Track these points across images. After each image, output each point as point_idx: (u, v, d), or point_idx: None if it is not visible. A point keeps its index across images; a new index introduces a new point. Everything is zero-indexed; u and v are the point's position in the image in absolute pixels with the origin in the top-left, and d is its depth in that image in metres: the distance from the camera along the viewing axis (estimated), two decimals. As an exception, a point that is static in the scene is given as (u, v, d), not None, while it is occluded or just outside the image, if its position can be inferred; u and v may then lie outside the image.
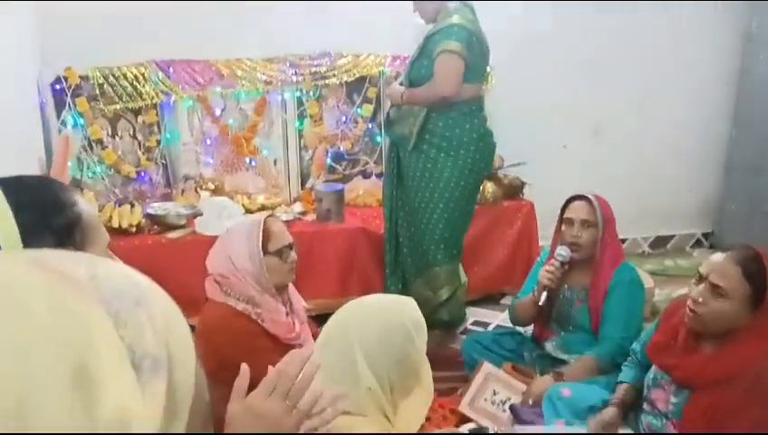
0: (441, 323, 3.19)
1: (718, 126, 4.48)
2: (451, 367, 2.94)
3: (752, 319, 1.75)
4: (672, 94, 4.37)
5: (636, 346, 2.13)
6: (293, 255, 2.13)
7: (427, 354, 3.08)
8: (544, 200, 3.59)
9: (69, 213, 0.93)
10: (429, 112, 2.95)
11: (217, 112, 3.65)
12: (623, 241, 4.60)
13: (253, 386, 1.18)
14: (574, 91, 4.20)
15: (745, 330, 1.76)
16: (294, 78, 3.67)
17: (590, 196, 2.50)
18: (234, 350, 1.97)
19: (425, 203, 3.03)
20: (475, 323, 3.49)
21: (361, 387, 1.32)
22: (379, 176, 3.84)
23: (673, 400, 1.86)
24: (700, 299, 1.80)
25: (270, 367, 1.13)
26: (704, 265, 1.84)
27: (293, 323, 2.08)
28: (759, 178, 4.10)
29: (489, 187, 3.72)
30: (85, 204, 0.98)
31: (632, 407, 2.04)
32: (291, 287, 2.22)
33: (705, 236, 4.71)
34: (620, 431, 2.01)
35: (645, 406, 1.97)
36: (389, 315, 1.42)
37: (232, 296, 2.04)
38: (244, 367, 1.15)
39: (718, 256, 1.82)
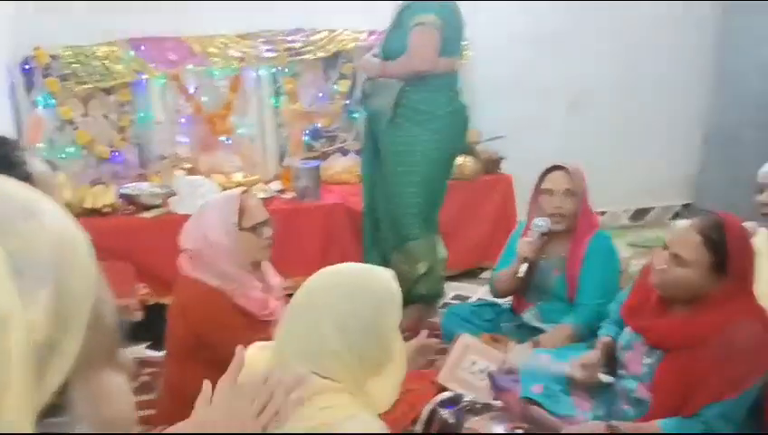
0: (420, 297, 3.19)
1: (696, 97, 4.48)
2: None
3: (719, 285, 1.76)
4: (650, 66, 4.37)
5: (613, 306, 2.14)
6: (269, 231, 2.10)
7: (407, 329, 3.12)
8: (523, 174, 3.58)
9: (19, 171, 0.92)
10: (404, 86, 2.92)
11: (191, 91, 3.60)
12: (603, 214, 4.65)
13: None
14: (552, 65, 4.20)
15: (715, 295, 1.77)
16: (269, 54, 3.62)
17: (567, 165, 2.50)
18: (207, 327, 1.96)
19: (400, 177, 3.01)
20: (456, 297, 3.50)
21: (327, 348, 1.30)
22: (357, 153, 3.81)
23: (645, 361, 1.87)
24: (662, 267, 1.81)
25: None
26: (668, 233, 1.85)
27: (269, 300, 2.06)
28: (737, 148, 4.11)
29: (467, 162, 3.71)
30: (39, 165, 0.97)
31: (613, 358, 2.05)
32: (266, 264, 2.20)
33: (686, 207, 4.74)
34: (601, 375, 2.02)
35: (619, 369, 1.98)
36: (360, 281, 1.40)
37: (206, 273, 2.02)
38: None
39: (681, 225, 1.83)
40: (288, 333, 1.36)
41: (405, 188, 3.01)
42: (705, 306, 1.78)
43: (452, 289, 3.56)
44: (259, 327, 1.93)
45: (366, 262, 3.33)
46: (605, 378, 2.03)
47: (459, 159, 3.62)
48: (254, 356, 1.37)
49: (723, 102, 4.31)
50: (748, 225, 2.28)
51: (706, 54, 4.40)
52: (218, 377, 1.13)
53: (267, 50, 3.62)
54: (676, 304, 1.85)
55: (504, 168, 3.90)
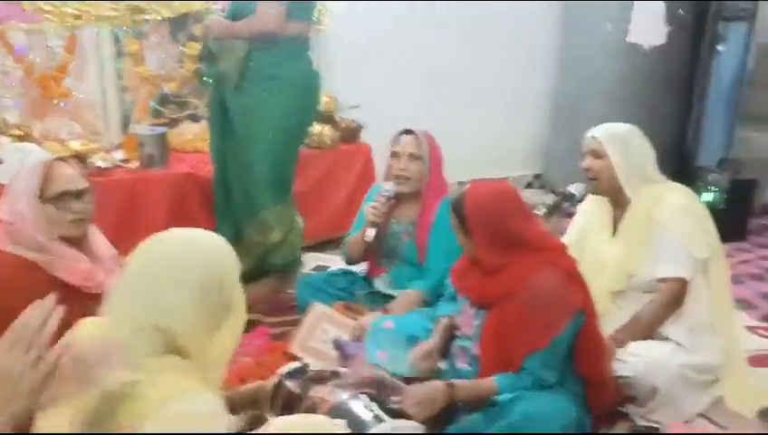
0: (275, 267, 3.12)
1: (543, 72, 4.71)
2: (286, 311, 2.91)
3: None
4: (501, 42, 4.53)
5: (449, 278, 2.18)
6: (80, 205, 1.88)
7: (264, 300, 3.04)
8: (382, 144, 3.59)
9: None
10: (251, 49, 2.80)
11: (22, 50, 3.26)
12: (461, 184, 4.77)
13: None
14: (410, 37, 4.22)
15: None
16: (109, 13, 3.35)
17: (416, 130, 2.51)
18: (21, 303, 1.77)
19: (249, 144, 2.90)
20: (317, 268, 3.45)
21: (166, 303, 1.22)
22: (208, 119, 3.64)
23: (475, 322, 1.93)
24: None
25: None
26: None
27: (95, 272, 1.90)
28: (579, 120, 4.34)
29: (326, 130, 3.66)
30: None
31: (454, 335, 2.09)
32: (96, 234, 2.03)
33: (537, 177, 4.98)
34: (439, 363, 2.06)
35: (458, 332, 2.02)
36: (190, 238, 1.33)
37: (20, 245, 1.83)
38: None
39: None
40: (124, 296, 1.27)
41: (254, 155, 2.90)
42: (513, 263, 1.85)
43: (313, 260, 3.52)
44: (86, 301, 1.78)
45: (218, 233, 3.20)
46: (443, 366, 2.06)
47: (317, 128, 3.57)
48: (87, 331, 1.29)
49: (566, 76, 4.55)
50: (577, 187, 2.42)
51: (552, 31, 4.62)
52: None
53: (108, 8, 3.35)
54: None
55: (364, 137, 3.89)
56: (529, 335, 1.78)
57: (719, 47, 4.23)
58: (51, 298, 1.10)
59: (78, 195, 1.88)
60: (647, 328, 2.16)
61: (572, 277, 1.86)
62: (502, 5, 4.43)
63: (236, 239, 3.11)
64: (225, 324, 1.34)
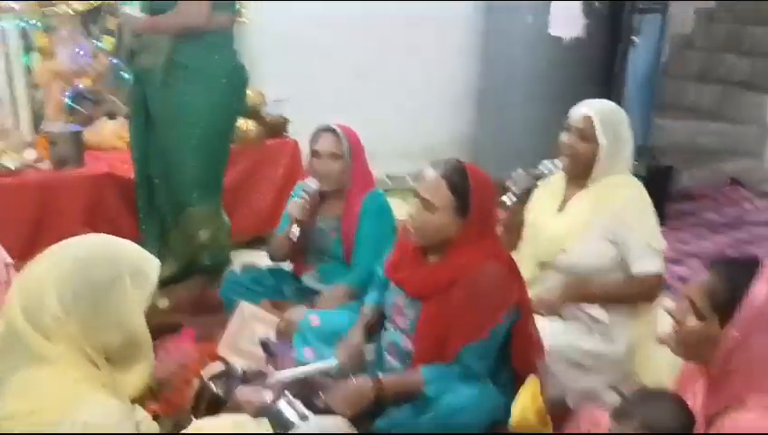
0: (203, 268, 3.04)
1: (468, 65, 4.75)
2: (213, 312, 2.82)
3: (463, 228, 1.84)
4: (426, 34, 4.54)
5: (378, 269, 2.17)
6: None
7: (191, 300, 2.95)
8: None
9: None
10: (176, 43, 2.71)
11: None
12: (389, 177, 4.78)
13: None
14: (336, 29, 4.19)
15: (459, 239, 1.85)
16: (14, 4, 3.17)
17: (336, 127, 2.48)
18: None
19: (176, 141, 2.81)
20: (244, 266, 3.36)
21: (48, 312, 1.16)
22: (127, 116, 3.51)
23: (408, 314, 1.92)
24: (414, 214, 1.86)
25: None
26: (416, 182, 1.91)
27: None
28: (503, 112, 4.43)
29: (251, 125, 3.58)
30: None
31: (378, 327, 2.08)
32: None
33: (464, 168, 5.02)
34: (366, 355, 2.04)
35: (387, 325, 2.01)
36: (103, 251, 1.26)
37: None
38: None
39: (427, 172, 1.89)
40: (16, 296, 1.20)
41: (181, 152, 2.81)
42: (452, 252, 1.85)
43: (240, 257, 3.43)
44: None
45: (142, 234, 3.12)
46: (370, 356, 2.05)
47: (241, 123, 3.49)
48: None
49: (490, 68, 4.61)
50: (547, 165, 2.36)
51: (476, 24, 4.67)
52: None
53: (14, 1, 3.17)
54: (431, 254, 1.92)
55: (292, 131, 3.83)
56: (468, 326, 1.78)
57: (635, 39, 4.37)
58: None
59: None
60: (596, 295, 2.22)
61: (511, 271, 1.88)
62: (428, 1, 4.45)
63: (162, 240, 3.02)
64: (133, 367, 1.28)
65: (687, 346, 1.43)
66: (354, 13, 4.22)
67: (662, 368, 2.29)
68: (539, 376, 1.90)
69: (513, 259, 1.92)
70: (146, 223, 3.06)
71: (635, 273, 2.19)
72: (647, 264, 2.17)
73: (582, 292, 2.22)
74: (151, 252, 2.74)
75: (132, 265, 1.25)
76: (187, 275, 3.04)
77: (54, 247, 1.24)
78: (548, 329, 2.11)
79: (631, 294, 2.23)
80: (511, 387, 1.90)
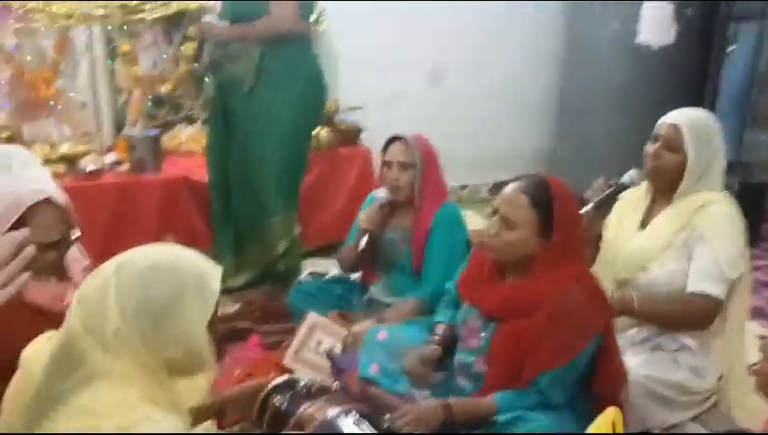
0: (275, 275, 3.04)
1: (549, 75, 4.60)
2: (281, 320, 2.80)
3: (547, 248, 1.72)
4: (506, 42, 4.45)
5: (449, 285, 2.07)
6: (51, 254, 1.75)
7: (259, 308, 2.94)
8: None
9: None
10: (264, 50, 2.75)
11: (10, 49, 3.19)
12: (464, 187, 4.69)
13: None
14: (413, 37, 4.15)
15: (543, 259, 1.73)
16: (101, 11, 3.27)
17: (407, 136, 2.42)
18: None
19: (261, 149, 2.84)
20: (312, 274, 3.35)
21: (109, 327, 1.12)
22: (205, 122, 3.56)
23: (482, 334, 1.81)
24: (492, 231, 1.75)
25: None
26: (497, 197, 1.79)
27: (66, 291, 1.79)
28: (585, 122, 4.25)
29: (324, 133, 3.57)
30: None
31: (452, 346, 1.98)
32: (72, 250, 1.92)
33: (541, 180, 4.86)
34: (437, 372, 1.96)
35: (459, 345, 1.92)
36: (167, 262, 1.20)
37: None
38: None
39: (508, 187, 1.77)
40: (76, 309, 1.17)
41: (265, 160, 2.85)
42: (535, 273, 1.74)
43: (309, 265, 3.41)
44: (55, 322, 1.68)
45: (217, 241, 3.14)
46: (440, 376, 1.95)
47: (315, 130, 3.48)
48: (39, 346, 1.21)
49: (573, 77, 4.44)
50: (631, 175, 2.22)
51: (558, 31, 4.51)
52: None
53: (99, 7, 3.27)
54: (509, 273, 1.81)
55: (365, 140, 3.80)
56: (548, 353, 1.66)
57: (729, 48, 4.12)
58: (23, 231, 1.03)
59: (50, 247, 1.75)
60: (648, 315, 2.05)
61: (598, 294, 1.75)
62: (506, 5, 4.33)
63: (237, 248, 3.03)
64: (194, 378, 1.24)
65: None
66: (430, 19, 4.17)
67: (756, 401, 2.11)
68: (620, 407, 1.77)
69: (598, 281, 1.78)
70: (220, 230, 3.08)
71: (690, 291, 1.99)
72: (707, 284, 1.98)
73: (628, 308, 2.03)
74: (225, 261, 2.76)
75: (195, 278, 1.20)
76: (259, 282, 3.04)
77: (116, 259, 1.21)
78: (631, 360, 1.97)
79: (679, 317, 2.04)
80: (589, 419, 1.77)
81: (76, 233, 1.85)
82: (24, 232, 1.02)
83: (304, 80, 2.84)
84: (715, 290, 1.98)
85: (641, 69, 4.10)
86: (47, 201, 1.77)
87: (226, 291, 2.95)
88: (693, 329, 2.06)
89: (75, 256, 1.91)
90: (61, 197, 1.82)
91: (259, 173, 2.87)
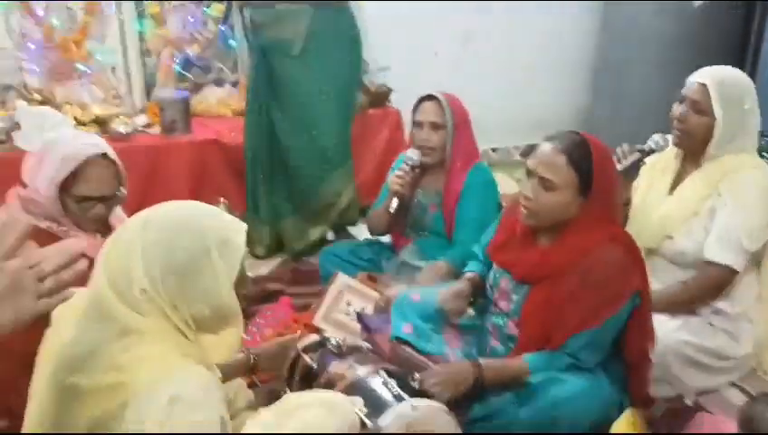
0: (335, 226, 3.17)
1: (586, 32, 4.46)
2: (309, 282, 2.81)
3: (582, 207, 1.67)
4: (540, 3, 4.29)
5: (476, 249, 2.04)
6: (101, 210, 1.80)
7: (288, 269, 2.95)
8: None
9: None
10: (316, 12, 2.78)
11: (40, 13, 3.19)
12: (494, 150, 4.61)
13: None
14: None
15: (578, 220, 1.67)
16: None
17: (439, 95, 2.36)
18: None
19: (318, 106, 2.92)
20: (343, 236, 3.35)
21: (134, 285, 1.12)
22: (234, 84, 3.54)
23: (513, 298, 1.78)
24: (530, 195, 1.69)
25: None
26: (531, 158, 1.72)
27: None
28: (623, 84, 4.13)
29: (353, 94, 3.52)
30: None
31: (481, 293, 1.96)
32: (117, 210, 1.94)
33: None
34: (469, 311, 1.95)
35: (490, 308, 1.89)
36: (192, 221, 1.19)
37: (32, 214, 1.75)
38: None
39: (544, 148, 1.70)
40: (103, 268, 1.17)
41: (325, 116, 2.93)
42: (569, 234, 1.69)
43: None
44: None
45: (249, 202, 3.13)
46: (472, 311, 1.94)
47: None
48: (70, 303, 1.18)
49: (610, 37, 4.29)
50: (657, 140, 2.13)
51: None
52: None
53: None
54: (542, 235, 1.76)
55: (395, 101, 3.74)
56: (581, 313, 1.62)
57: (775, 4, 3.95)
58: (80, 244, 1.04)
59: (101, 200, 1.79)
60: (669, 304, 1.99)
61: (633, 255, 1.70)
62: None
63: (297, 212, 3.07)
64: (221, 333, 1.25)
65: None
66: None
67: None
68: (648, 367, 1.74)
69: (634, 241, 1.72)
70: (255, 192, 3.07)
71: (706, 258, 1.94)
72: (722, 253, 1.92)
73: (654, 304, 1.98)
74: (262, 235, 2.79)
75: (219, 235, 1.19)
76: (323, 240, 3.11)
77: (140, 216, 1.20)
78: (668, 325, 1.93)
79: (695, 289, 1.98)
80: (622, 382, 1.74)
81: (124, 191, 1.87)
82: (81, 242, 1.04)
83: (351, 40, 2.95)
84: (730, 260, 1.93)
85: (682, 27, 3.96)
86: (103, 156, 1.79)
87: (296, 254, 3.08)
88: (708, 299, 2.01)
89: (119, 215, 1.93)
90: (114, 154, 1.83)
91: (319, 131, 2.94)
